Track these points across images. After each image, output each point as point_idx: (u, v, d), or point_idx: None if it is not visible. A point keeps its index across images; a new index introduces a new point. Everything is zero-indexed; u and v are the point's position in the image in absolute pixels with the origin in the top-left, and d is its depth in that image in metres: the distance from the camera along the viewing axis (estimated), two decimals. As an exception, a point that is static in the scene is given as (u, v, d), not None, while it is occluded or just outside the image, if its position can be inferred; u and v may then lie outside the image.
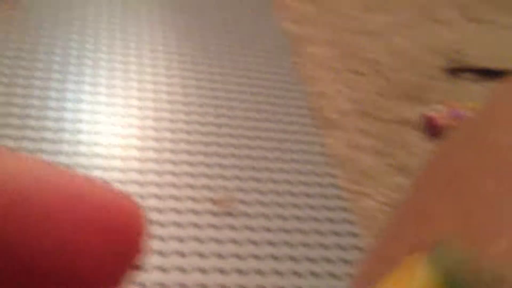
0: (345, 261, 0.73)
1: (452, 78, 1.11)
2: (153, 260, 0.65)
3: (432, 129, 0.96)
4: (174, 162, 0.78)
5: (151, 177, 0.75)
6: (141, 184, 0.74)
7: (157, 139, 0.81)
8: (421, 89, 1.06)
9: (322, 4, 1.22)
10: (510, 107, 0.12)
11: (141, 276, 0.63)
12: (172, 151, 0.80)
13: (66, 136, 0.76)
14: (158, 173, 0.76)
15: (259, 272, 0.68)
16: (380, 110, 0.99)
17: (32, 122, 0.77)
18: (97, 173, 0.73)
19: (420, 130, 0.97)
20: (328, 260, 0.73)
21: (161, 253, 0.66)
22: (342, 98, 1.00)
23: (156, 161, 0.78)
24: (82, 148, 0.76)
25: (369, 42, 1.16)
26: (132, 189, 0.72)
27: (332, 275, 0.71)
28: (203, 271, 0.66)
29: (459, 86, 1.09)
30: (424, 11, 1.29)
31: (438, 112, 0.99)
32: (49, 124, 0.77)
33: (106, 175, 0.73)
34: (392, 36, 1.19)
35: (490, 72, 1.12)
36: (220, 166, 0.79)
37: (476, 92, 1.09)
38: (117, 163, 0.76)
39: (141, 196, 0.72)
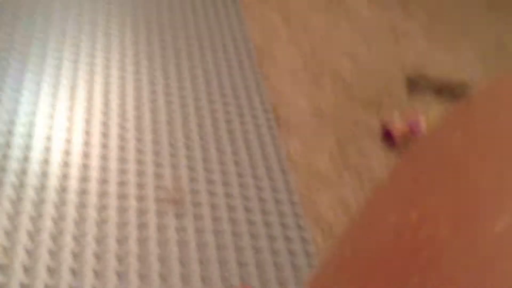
0: (295, 266, 0.71)
1: (410, 90, 1.11)
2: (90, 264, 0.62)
3: (389, 137, 0.96)
4: (122, 159, 0.75)
5: (96, 174, 0.72)
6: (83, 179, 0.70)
7: (105, 135, 0.78)
8: (381, 98, 1.06)
9: (289, 15, 1.21)
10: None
11: (76, 280, 0.60)
12: (121, 148, 0.77)
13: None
14: (105, 169, 0.73)
15: (204, 278, 0.65)
16: (339, 116, 0.98)
17: None
18: (33, 167, 0.69)
19: (378, 137, 0.96)
20: (277, 266, 0.71)
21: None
22: (303, 103, 0.98)
23: (103, 157, 0.74)
24: (17, 140, 0.72)
25: (332, 51, 1.15)
26: (74, 185, 0.69)
27: (280, 282, 0.69)
28: (142, 276, 0.63)
29: (416, 98, 1.10)
30: (389, 26, 1.30)
31: (396, 121, 0.99)
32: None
33: (47, 169, 0.70)
34: (355, 46, 1.19)
35: (445, 89, 1.13)
36: (173, 166, 0.77)
37: (431, 105, 1.09)
38: (59, 157, 0.72)
39: (84, 192, 0.68)
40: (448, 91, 1.12)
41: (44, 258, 0.60)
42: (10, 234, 0.62)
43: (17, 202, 0.64)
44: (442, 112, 1.02)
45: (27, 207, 0.65)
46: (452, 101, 1.11)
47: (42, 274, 0.59)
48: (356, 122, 0.99)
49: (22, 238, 0.61)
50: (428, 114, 1.00)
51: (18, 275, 0.58)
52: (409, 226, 0.10)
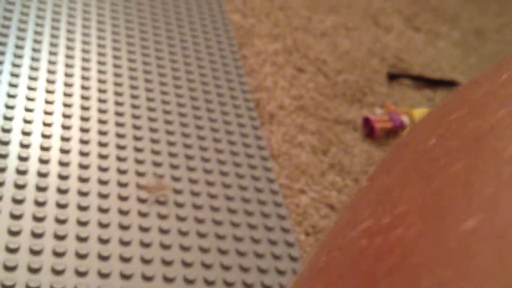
0: (275, 256, 0.71)
1: (392, 83, 1.12)
2: (72, 245, 0.61)
3: (369, 131, 0.96)
4: (102, 143, 0.74)
5: (76, 158, 0.71)
6: (64, 164, 0.69)
7: (83, 118, 0.77)
8: (362, 92, 1.07)
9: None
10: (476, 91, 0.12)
11: (60, 262, 0.59)
12: (100, 132, 0.76)
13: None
14: (84, 154, 0.72)
15: (186, 263, 0.65)
16: (320, 108, 0.99)
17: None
18: (14, 148, 0.68)
19: (359, 131, 0.97)
20: (257, 255, 0.70)
21: (81, 239, 0.62)
22: (283, 93, 0.99)
23: (82, 141, 0.74)
24: None
25: (313, 41, 1.16)
26: (54, 169, 0.68)
27: (260, 270, 0.69)
28: (125, 259, 0.62)
29: (398, 91, 1.11)
30: (369, 16, 1.31)
31: (376, 115, 1.00)
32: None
33: (23, 152, 0.69)
34: (336, 37, 1.20)
35: (428, 81, 1.15)
36: (152, 151, 0.76)
37: (413, 99, 1.11)
38: (37, 140, 0.71)
39: (64, 177, 0.68)
40: (430, 84, 1.14)
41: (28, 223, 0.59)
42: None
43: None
44: (424, 108, 1.03)
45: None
46: (434, 96, 1.13)
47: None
48: (335, 114, 0.99)
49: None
50: (411, 110, 1.01)
51: None
52: (380, 230, 0.10)
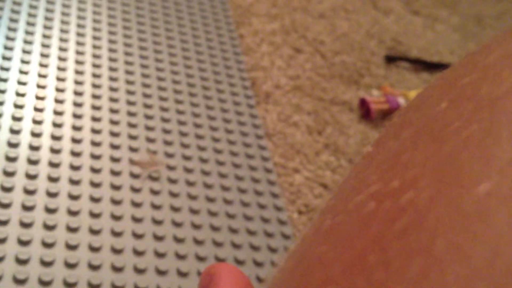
0: (267, 234, 0.71)
1: (390, 65, 1.12)
2: (63, 219, 0.61)
3: (365, 112, 0.96)
4: (95, 118, 0.74)
5: (68, 132, 0.70)
6: (56, 138, 0.69)
7: (76, 92, 0.76)
8: (359, 73, 1.06)
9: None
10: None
11: (50, 235, 0.59)
12: (94, 106, 0.76)
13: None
14: (77, 128, 0.71)
15: (177, 239, 0.65)
16: (316, 89, 0.98)
17: None
18: (5, 121, 0.67)
19: (355, 112, 0.96)
20: (249, 232, 0.70)
21: (72, 212, 0.62)
22: (279, 73, 0.98)
23: (75, 116, 0.73)
24: (-5, 95, 0.70)
25: (311, 21, 1.15)
26: (46, 143, 0.68)
27: (253, 247, 0.69)
28: (117, 234, 0.62)
29: (396, 74, 1.10)
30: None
31: (373, 96, 1.00)
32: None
33: (15, 126, 0.68)
34: (335, 19, 1.19)
35: (426, 64, 1.14)
36: (146, 127, 0.76)
37: (410, 81, 1.10)
38: (30, 113, 0.71)
39: (57, 151, 0.67)
40: (427, 67, 1.13)
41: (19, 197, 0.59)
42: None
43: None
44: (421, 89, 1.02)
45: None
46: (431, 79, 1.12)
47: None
48: (331, 95, 0.99)
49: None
50: (407, 92, 1.01)
51: None
52: (390, 194, 0.10)
